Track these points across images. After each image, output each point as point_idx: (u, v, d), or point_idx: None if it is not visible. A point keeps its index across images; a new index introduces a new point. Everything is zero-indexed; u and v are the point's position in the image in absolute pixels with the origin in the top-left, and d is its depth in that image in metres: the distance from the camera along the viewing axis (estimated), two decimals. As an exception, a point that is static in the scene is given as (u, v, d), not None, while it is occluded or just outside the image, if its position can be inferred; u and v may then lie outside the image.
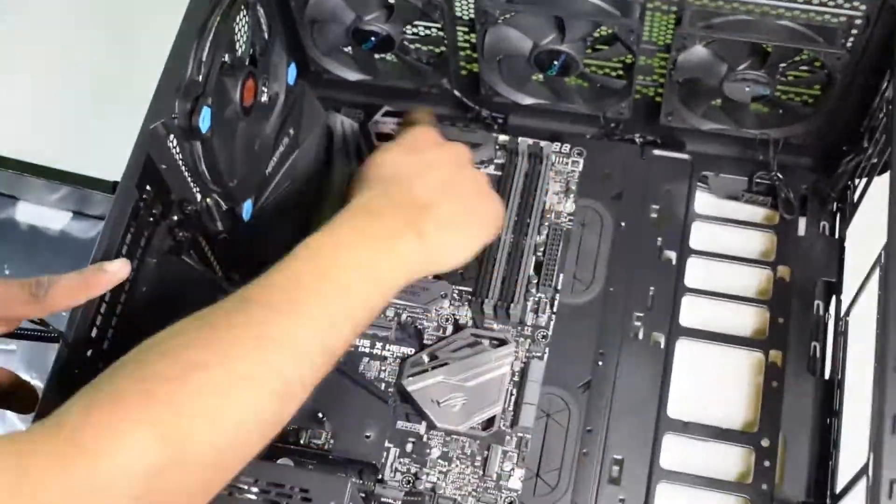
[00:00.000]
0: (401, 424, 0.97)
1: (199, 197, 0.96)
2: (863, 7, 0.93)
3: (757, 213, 1.11)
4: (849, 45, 0.96)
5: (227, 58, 0.93)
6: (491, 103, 1.12)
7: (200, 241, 0.97)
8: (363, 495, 0.85)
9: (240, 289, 0.72)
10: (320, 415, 0.84)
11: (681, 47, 0.98)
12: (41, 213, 1.30)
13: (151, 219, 0.90)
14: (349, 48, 1.11)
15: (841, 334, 1.00)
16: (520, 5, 0.99)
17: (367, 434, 0.85)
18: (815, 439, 0.98)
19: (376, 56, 1.10)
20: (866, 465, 0.79)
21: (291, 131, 1.08)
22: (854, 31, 0.95)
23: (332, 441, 0.85)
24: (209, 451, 0.64)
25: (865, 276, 0.92)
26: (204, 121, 0.88)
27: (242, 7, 0.95)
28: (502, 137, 1.11)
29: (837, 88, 0.99)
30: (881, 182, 0.97)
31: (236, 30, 0.95)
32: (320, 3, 1.03)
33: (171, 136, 0.89)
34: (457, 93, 1.12)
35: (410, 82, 1.12)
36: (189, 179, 0.94)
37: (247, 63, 0.97)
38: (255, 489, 0.77)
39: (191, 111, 0.88)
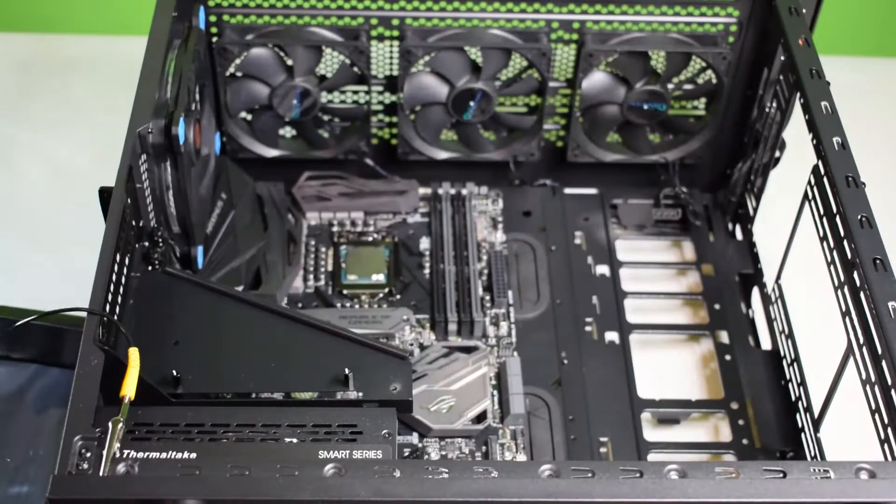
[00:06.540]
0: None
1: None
2: (736, 13, 1.08)
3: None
4: (728, 48, 1.11)
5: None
6: (402, 167, 1.19)
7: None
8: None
9: None
10: (346, 371, 0.83)
11: (587, 68, 1.10)
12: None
13: (132, 232, 0.88)
14: (261, 125, 1.15)
15: (779, 299, 1.07)
16: (438, 42, 1.09)
17: (393, 387, 0.85)
18: (778, 396, 1.03)
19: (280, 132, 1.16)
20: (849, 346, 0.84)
21: (224, 196, 1.10)
22: (731, 38, 1.10)
23: (361, 395, 0.84)
24: None
25: (790, 234, 1.01)
26: (181, 132, 0.90)
27: (192, 54, 0.99)
28: (422, 189, 1.17)
29: (723, 99, 1.12)
30: (775, 177, 1.10)
31: (186, 72, 0.98)
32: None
33: (143, 157, 0.90)
34: (369, 161, 1.18)
35: (328, 152, 1.17)
36: (152, 214, 0.94)
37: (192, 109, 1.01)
38: (297, 433, 0.74)
39: (168, 124, 0.89)
